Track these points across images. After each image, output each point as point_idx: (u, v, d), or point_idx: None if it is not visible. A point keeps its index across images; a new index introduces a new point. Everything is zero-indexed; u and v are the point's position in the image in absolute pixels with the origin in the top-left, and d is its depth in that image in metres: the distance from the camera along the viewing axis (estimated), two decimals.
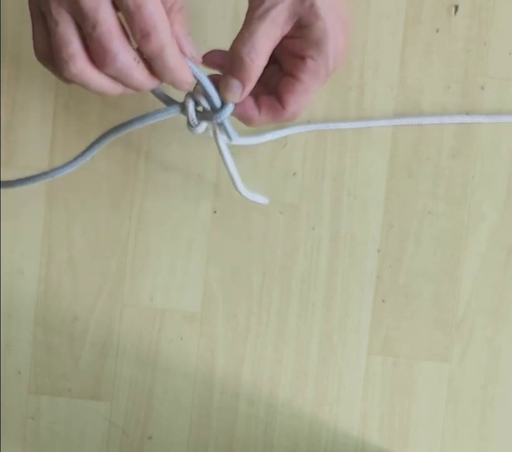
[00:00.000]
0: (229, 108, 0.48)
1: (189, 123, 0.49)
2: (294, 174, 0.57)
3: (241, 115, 0.49)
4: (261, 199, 0.55)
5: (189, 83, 0.45)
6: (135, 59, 0.43)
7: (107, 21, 0.41)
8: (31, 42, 0.52)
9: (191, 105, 0.48)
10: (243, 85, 0.47)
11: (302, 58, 0.47)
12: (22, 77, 0.57)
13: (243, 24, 0.46)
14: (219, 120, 0.48)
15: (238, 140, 0.51)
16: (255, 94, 0.49)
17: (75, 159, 0.51)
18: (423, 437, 0.57)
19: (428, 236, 0.56)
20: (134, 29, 0.42)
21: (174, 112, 0.49)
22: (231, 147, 0.52)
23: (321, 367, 0.57)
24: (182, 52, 0.45)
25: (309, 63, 0.47)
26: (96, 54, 0.42)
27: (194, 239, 0.57)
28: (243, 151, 0.56)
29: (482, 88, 0.56)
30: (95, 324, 0.57)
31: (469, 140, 0.56)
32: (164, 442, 0.57)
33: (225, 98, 0.48)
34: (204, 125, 0.49)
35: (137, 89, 0.45)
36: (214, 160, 0.57)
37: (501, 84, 0.56)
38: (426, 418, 0.57)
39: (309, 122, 0.56)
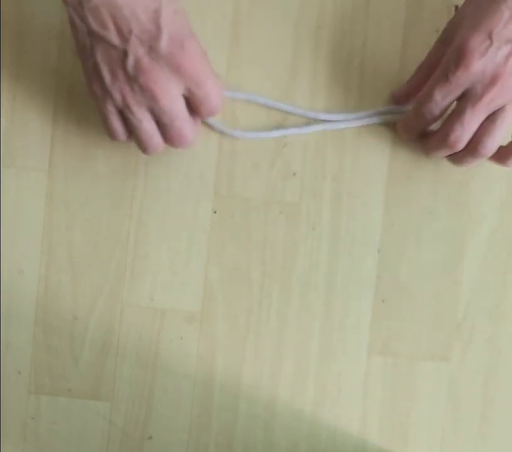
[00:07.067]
0: None
1: None
2: (294, 174, 0.57)
3: None
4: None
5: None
6: (197, 133, 0.53)
7: (182, 113, 0.50)
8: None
9: None
10: None
11: None
12: (22, 77, 0.57)
13: None
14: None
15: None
16: None
17: None
18: (423, 437, 0.57)
19: (428, 236, 0.56)
20: (203, 111, 0.51)
21: None
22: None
23: (321, 367, 0.57)
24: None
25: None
26: (172, 138, 0.52)
27: (194, 239, 0.57)
28: (243, 151, 0.56)
29: None
30: (95, 324, 0.57)
31: None
32: (164, 442, 0.57)
33: None
34: None
35: None
36: (214, 160, 0.57)
37: None
38: (426, 418, 0.57)
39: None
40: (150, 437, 0.57)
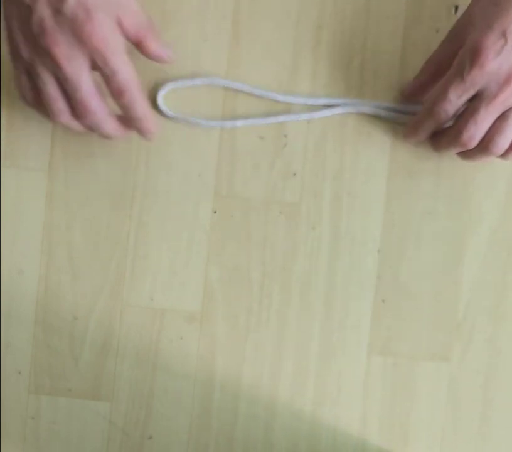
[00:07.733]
0: None
1: None
2: (294, 174, 0.57)
3: None
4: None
5: (152, 132, 0.53)
6: (108, 114, 0.51)
7: (86, 85, 0.49)
8: None
9: None
10: None
11: None
12: None
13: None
14: None
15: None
16: None
17: None
18: (423, 437, 0.57)
19: (428, 236, 0.56)
20: (111, 88, 0.50)
21: None
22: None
23: (321, 367, 0.57)
24: (166, 59, 0.52)
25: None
26: (77, 110, 0.50)
27: (194, 239, 0.57)
28: (243, 151, 0.56)
29: None
30: (95, 324, 0.57)
31: None
32: (164, 442, 0.57)
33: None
34: None
35: (107, 137, 0.53)
36: (214, 160, 0.57)
37: None
38: (426, 418, 0.57)
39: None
40: (150, 437, 0.57)
